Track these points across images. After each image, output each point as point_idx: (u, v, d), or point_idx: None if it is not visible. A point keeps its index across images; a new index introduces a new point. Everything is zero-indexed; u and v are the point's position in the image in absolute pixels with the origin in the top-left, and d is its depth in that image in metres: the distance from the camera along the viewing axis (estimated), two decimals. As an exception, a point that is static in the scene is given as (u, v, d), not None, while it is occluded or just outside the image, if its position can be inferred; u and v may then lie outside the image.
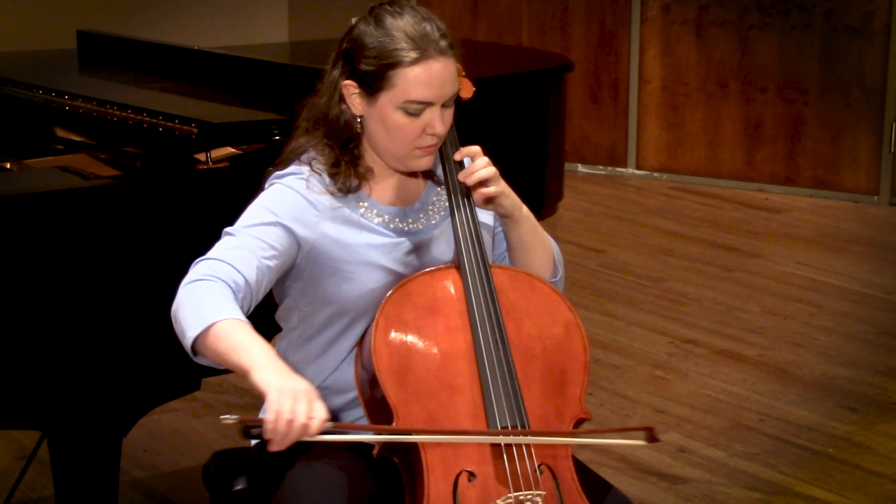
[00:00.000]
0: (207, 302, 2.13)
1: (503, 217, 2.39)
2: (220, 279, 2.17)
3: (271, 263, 2.25)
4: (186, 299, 2.15)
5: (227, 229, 2.28)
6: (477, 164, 2.31)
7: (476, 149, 2.34)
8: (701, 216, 6.59)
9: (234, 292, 2.16)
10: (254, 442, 2.47)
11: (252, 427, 2.02)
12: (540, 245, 2.44)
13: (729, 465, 3.88)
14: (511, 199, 2.36)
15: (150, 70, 3.74)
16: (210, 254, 2.23)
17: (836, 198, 6.84)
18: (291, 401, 2.00)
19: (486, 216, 2.44)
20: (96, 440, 2.68)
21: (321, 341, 2.38)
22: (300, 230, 2.29)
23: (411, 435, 2.18)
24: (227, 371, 2.69)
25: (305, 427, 2.01)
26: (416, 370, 2.23)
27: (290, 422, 2.00)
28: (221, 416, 2.03)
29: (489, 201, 2.33)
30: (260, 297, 2.25)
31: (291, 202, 2.30)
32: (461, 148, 2.36)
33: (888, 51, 6.64)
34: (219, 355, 2.11)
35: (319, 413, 2.02)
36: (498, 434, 2.19)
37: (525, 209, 2.40)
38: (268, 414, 2.01)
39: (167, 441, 4.01)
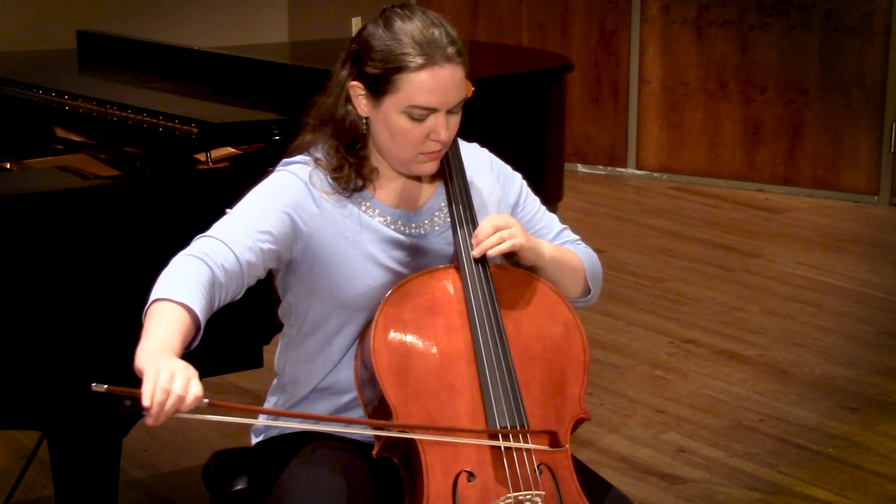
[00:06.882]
0: (175, 279, 2.13)
1: (527, 267, 2.38)
2: (205, 261, 2.16)
3: (265, 246, 2.25)
4: (168, 270, 2.16)
5: (229, 210, 2.29)
6: (482, 234, 2.29)
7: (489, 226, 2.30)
8: (701, 216, 6.59)
9: (213, 276, 2.16)
10: (255, 441, 2.47)
11: (124, 398, 1.96)
12: (569, 275, 2.44)
13: (729, 465, 3.88)
14: (533, 251, 2.34)
15: (150, 70, 3.74)
16: (210, 231, 2.24)
17: (836, 198, 6.84)
18: (168, 375, 1.97)
19: (492, 204, 2.44)
20: (96, 440, 2.68)
21: (317, 339, 2.38)
22: (299, 220, 2.29)
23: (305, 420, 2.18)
24: (226, 371, 2.70)
25: (180, 399, 1.96)
26: (415, 370, 2.23)
27: (166, 392, 1.96)
28: (93, 384, 1.97)
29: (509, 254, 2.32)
30: (252, 280, 2.25)
31: (295, 191, 2.30)
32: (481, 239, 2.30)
33: (888, 51, 6.64)
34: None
35: (195, 390, 1.99)
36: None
37: (546, 252, 2.38)
38: (144, 385, 1.96)
39: (167, 441, 4.01)
